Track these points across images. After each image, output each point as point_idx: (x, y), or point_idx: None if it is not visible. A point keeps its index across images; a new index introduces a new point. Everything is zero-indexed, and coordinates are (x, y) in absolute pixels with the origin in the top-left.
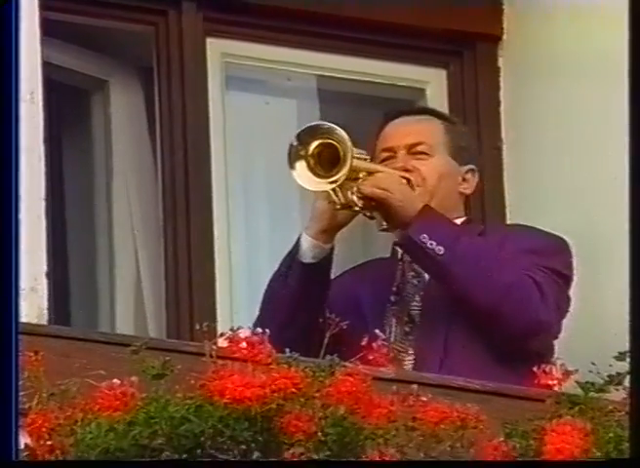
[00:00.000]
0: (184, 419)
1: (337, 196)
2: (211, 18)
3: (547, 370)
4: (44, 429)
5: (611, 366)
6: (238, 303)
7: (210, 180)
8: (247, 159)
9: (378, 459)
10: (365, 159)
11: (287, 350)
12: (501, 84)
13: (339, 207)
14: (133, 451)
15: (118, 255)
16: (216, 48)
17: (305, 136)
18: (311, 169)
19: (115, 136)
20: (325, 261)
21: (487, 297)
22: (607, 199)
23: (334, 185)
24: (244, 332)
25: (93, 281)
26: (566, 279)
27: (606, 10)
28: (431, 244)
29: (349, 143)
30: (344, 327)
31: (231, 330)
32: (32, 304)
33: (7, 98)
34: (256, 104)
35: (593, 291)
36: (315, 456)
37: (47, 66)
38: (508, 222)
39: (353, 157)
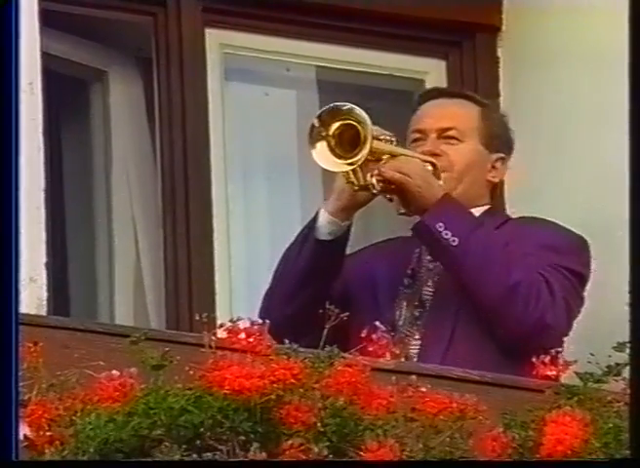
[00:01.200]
0: (184, 410)
1: (355, 177)
2: (210, 8)
3: (546, 360)
4: (43, 420)
5: (610, 356)
6: (237, 294)
7: (209, 171)
8: (246, 150)
9: (376, 449)
10: (391, 141)
11: (286, 341)
12: (501, 74)
13: (356, 188)
14: (132, 442)
15: (117, 246)
16: (215, 38)
17: (327, 116)
18: (332, 149)
19: (114, 127)
20: (341, 239)
21: (493, 294)
22: (606, 188)
23: (352, 167)
24: (243, 323)
25: (92, 271)
26: (581, 278)
27: (604, 1)
28: (446, 234)
29: (370, 126)
30: (344, 318)
31: (231, 320)
32: (31, 295)
33: (7, 89)
34: (255, 95)
35: (592, 281)
36: (314, 447)
37: (46, 57)
38: (508, 211)
39: (373, 139)
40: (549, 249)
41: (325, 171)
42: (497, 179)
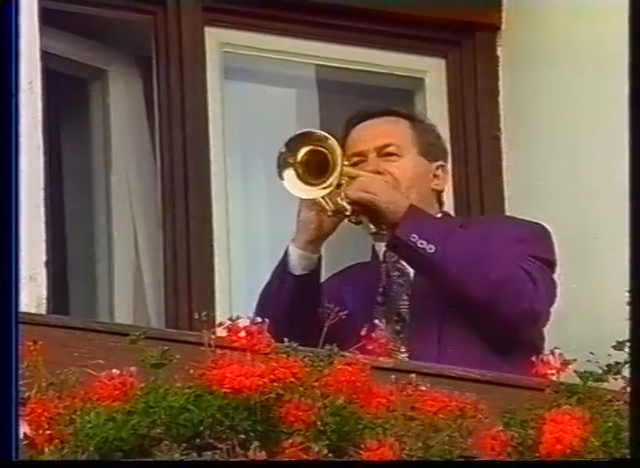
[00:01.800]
0: (183, 409)
1: (327, 203)
2: (209, 7)
3: (546, 359)
4: (43, 418)
5: (609, 355)
6: (237, 293)
7: (208, 170)
8: (246, 148)
9: (376, 447)
10: (345, 164)
11: (285, 340)
12: (500, 73)
13: (330, 214)
14: (132, 441)
15: (117, 245)
16: (214, 37)
17: (293, 143)
18: (300, 177)
19: (114, 125)
20: (314, 271)
21: (481, 292)
22: (607, 187)
23: (327, 191)
24: (243, 322)
25: (92, 270)
26: (551, 265)
27: (604, 0)
28: (421, 243)
29: (338, 149)
30: (343, 316)
31: (230, 319)
32: (31, 293)
33: (6, 88)
34: (254, 94)
35: (592, 280)
36: (314, 446)
37: (46, 56)
38: (507, 212)
39: (343, 163)
40: (516, 241)
41: None
42: (440, 187)
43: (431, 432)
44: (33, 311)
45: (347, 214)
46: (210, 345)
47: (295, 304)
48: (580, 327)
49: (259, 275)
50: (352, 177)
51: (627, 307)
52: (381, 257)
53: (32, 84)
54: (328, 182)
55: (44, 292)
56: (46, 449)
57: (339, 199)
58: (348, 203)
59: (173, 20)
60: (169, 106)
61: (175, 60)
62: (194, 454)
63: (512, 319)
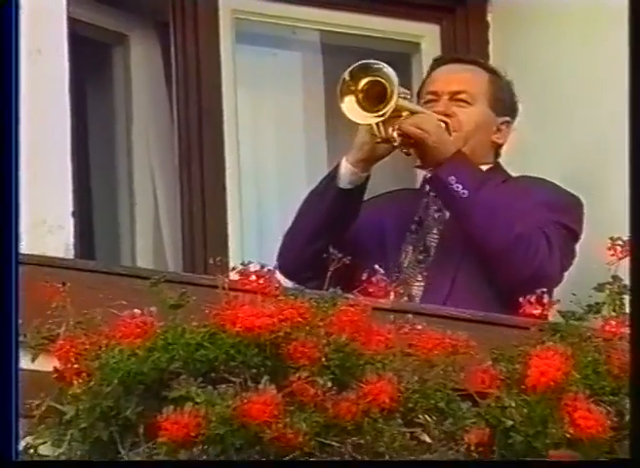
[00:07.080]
0: (199, 346)
1: (379, 130)
2: None
3: (532, 300)
4: (71, 354)
5: (590, 296)
6: (248, 240)
7: (222, 126)
8: (256, 107)
9: (376, 381)
10: (408, 99)
11: (292, 283)
12: (490, 39)
13: (379, 140)
14: (152, 375)
15: (138, 197)
16: (227, 5)
17: (358, 71)
18: (359, 103)
19: (135, 87)
20: (360, 188)
21: (497, 244)
22: (602, 151)
23: (380, 119)
24: (254, 266)
25: (115, 220)
26: (574, 234)
27: None
28: (457, 186)
29: (396, 82)
30: (347, 262)
31: (242, 264)
32: (60, 240)
33: (7, 54)
34: (264, 57)
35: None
36: (319, 380)
37: (72, 22)
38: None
39: (399, 96)
40: (547, 206)
41: (329, 127)
42: (501, 141)
43: (427, 367)
44: (61, 256)
45: (395, 144)
46: (224, 288)
47: (333, 215)
48: None
49: (268, 225)
50: (412, 113)
51: (609, 252)
52: (427, 189)
53: (59, 48)
54: (382, 112)
55: (71, 240)
56: (74, 382)
57: (390, 129)
58: (400, 134)
59: None
60: (185, 68)
61: (190, 26)
62: (210, 387)
63: (520, 274)
